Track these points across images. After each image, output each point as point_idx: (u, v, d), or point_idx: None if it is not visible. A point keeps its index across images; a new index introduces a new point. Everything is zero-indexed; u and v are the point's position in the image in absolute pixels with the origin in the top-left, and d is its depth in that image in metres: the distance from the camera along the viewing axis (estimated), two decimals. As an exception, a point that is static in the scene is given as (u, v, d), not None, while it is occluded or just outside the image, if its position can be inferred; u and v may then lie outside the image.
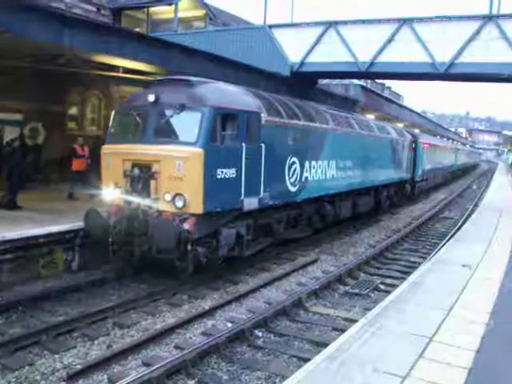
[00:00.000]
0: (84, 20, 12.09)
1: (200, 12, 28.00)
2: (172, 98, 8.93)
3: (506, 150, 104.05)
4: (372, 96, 29.78)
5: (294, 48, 18.30)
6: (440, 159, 33.47)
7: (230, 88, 10.17)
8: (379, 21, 17.35)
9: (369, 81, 35.12)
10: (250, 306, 8.49)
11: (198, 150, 8.29)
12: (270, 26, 18.95)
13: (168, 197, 8.41)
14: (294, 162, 11.18)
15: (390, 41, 16.61)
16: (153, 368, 5.64)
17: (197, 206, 8.32)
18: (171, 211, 8.39)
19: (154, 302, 8.36)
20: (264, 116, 9.85)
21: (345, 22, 17.84)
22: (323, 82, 25.42)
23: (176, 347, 6.62)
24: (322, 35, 17.81)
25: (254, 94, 10.38)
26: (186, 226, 8.23)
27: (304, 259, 11.81)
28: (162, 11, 27.37)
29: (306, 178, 11.81)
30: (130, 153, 9.03)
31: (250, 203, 9.48)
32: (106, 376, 5.79)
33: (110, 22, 23.97)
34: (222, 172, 8.61)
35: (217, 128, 8.63)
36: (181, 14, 26.48)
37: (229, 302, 8.48)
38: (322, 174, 12.66)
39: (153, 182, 8.62)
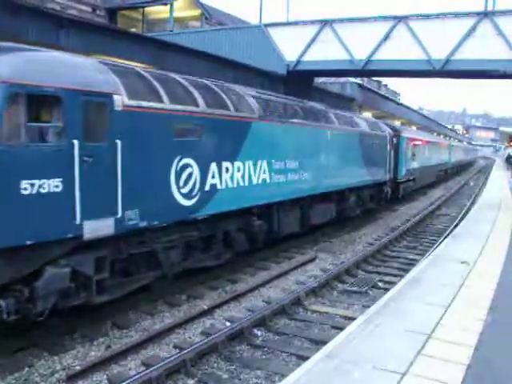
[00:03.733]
0: (79, 21, 12.09)
1: (195, 11, 28.02)
2: None
3: (502, 146, 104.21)
4: (368, 94, 29.86)
5: (290, 47, 18.33)
6: (430, 156, 30.65)
7: (64, 58, 6.67)
8: (375, 18, 17.40)
9: (365, 79, 35.18)
10: (248, 305, 8.49)
11: None
12: (266, 25, 18.98)
13: None
14: (186, 166, 7.99)
15: (386, 38, 16.65)
16: (152, 368, 5.64)
17: None
18: None
19: (153, 302, 8.35)
20: (120, 99, 6.70)
21: (341, 20, 17.88)
22: (320, 80, 25.45)
23: (175, 347, 6.62)
24: (317, 34, 17.84)
25: (112, 68, 7.17)
26: None
27: (302, 257, 11.82)
28: (158, 11, 27.37)
29: (214, 186, 8.64)
30: None
31: (98, 228, 6.50)
32: (105, 377, 5.78)
33: (105, 23, 23.92)
34: (33, 185, 5.65)
35: (18, 117, 5.64)
36: (176, 14, 26.50)
37: (227, 302, 8.48)
38: (243, 179, 9.50)
39: None
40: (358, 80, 28.86)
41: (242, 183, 9.47)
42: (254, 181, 9.88)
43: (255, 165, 9.91)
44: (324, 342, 5.82)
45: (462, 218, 16.98)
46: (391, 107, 35.60)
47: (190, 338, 7.00)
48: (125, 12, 28.28)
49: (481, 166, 75.89)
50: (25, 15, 10.47)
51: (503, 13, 15.22)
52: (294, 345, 6.94)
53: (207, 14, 27.95)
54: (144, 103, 7.17)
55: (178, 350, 6.37)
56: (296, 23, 18.92)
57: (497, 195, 22.20)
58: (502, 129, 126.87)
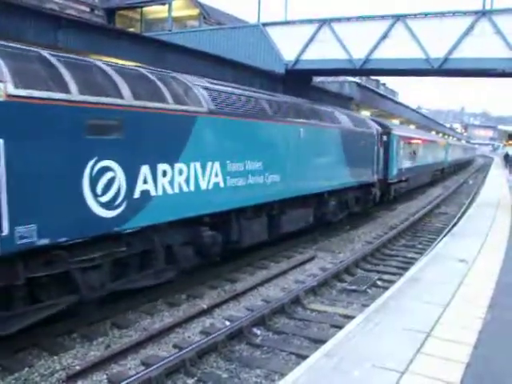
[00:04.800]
0: (78, 21, 12.09)
1: (194, 11, 28.02)
2: None
3: (501, 144, 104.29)
4: (367, 93, 29.87)
5: (289, 46, 18.33)
6: (425, 155, 29.09)
7: None
8: (373, 17, 17.39)
9: (364, 78, 35.19)
10: (248, 304, 8.50)
11: None
12: (264, 24, 18.97)
13: None
14: (106, 169, 6.61)
15: (384, 37, 16.64)
16: (152, 367, 5.64)
17: None
18: None
19: (152, 301, 8.36)
20: (2, 88, 5.39)
21: (339, 19, 17.87)
22: (318, 79, 25.47)
23: (175, 346, 6.63)
24: (316, 33, 17.83)
25: None
26: None
27: (301, 256, 11.83)
28: (156, 11, 27.38)
29: (146, 193, 7.23)
30: None
31: None
32: (105, 376, 5.79)
33: (103, 22, 23.91)
34: None
35: None
36: (174, 14, 26.50)
37: (227, 301, 8.49)
38: (187, 184, 8.05)
39: None
40: (357, 79, 28.87)
41: (186, 189, 8.02)
42: (203, 186, 8.40)
43: (204, 167, 8.42)
44: (323, 341, 5.82)
45: (460, 217, 17.00)
46: (389, 106, 35.62)
47: (189, 337, 7.01)
48: (123, 12, 28.28)
49: (479, 165, 75.92)
50: (23, 15, 10.47)
51: (501, 11, 15.23)
52: (294, 344, 6.95)
53: (205, 14, 27.94)
54: (38, 93, 5.73)
55: (177, 350, 6.38)
56: (294, 22, 18.92)
57: (495, 193, 22.22)
58: (500, 127, 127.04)
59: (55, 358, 6.24)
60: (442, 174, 38.62)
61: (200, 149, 8.35)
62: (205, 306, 8.11)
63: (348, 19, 17.80)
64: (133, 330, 7.20)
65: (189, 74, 9.55)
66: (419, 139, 27.34)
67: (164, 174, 7.57)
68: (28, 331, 6.54)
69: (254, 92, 10.89)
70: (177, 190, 7.83)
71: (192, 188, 8.16)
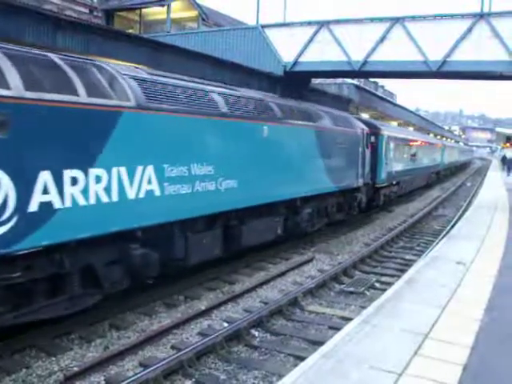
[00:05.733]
0: (76, 22, 12.10)
1: (193, 13, 28.03)
2: None
3: (499, 147, 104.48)
4: (365, 95, 29.92)
5: (287, 48, 18.34)
6: (419, 158, 27.77)
7: None
8: (372, 20, 17.42)
9: (362, 80, 35.25)
10: (246, 305, 8.51)
11: None
12: (263, 26, 18.98)
13: None
14: None
15: (382, 40, 16.67)
16: (150, 369, 5.65)
17: None
18: None
19: (150, 302, 8.35)
20: None
21: (337, 22, 17.90)
22: (317, 81, 25.50)
23: (173, 348, 6.63)
24: (314, 35, 17.85)
25: None
26: None
27: (300, 258, 11.84)
28: (155, 12, 27.38)
29: (47, 205, 5.83)
30: None
31: None
32: (102, 377, 5.79)
33: (102, 24, 23.92)
34: None
35: None
36: (173, 15, 26.53)
37: (225, 302, 8.50)
38: (108, 193, 6.59)
39: None
40: (355, 81, 28.92)
41: (106, 199, 6.55)
42: (131, 195, 6.90)
43: (132, 172, 6.93)
44: (321, 343, 5.83)
45: (458, 219, 17.03)
46: (388, 108, 35.67)
47: (187, 338, 7.01)
48: (122, 13, 28.27)
49: (477, 167, 76.03)
50: (22, 16, 10.47)
51: (499, 14, 15.28)
52: (292, 345, 6.96)
53: (204, 16, 27.96)
54: None
55: (175, 351, 6.38)
56: (293, 24, 18.94)
57: (493, 196, 22.27)
58: (498, 130, 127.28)
59: (53, 359, 6.24)
60: (437, 176, 37.70)
61: (126, 151, 6.86)
62: (203, 308, 8.12)
63: (347, 21, 17.82)
64: (131, 332, 7.20)
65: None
66: (412, 141, 26.13)
67: (74, 181, 6.11)
68: (26, 332, 6.55)
69: (207, 85, 9.32)
70: (93, 201, 6.38)
71: (115, 198, 6.66)
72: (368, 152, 16.82)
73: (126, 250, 7.21)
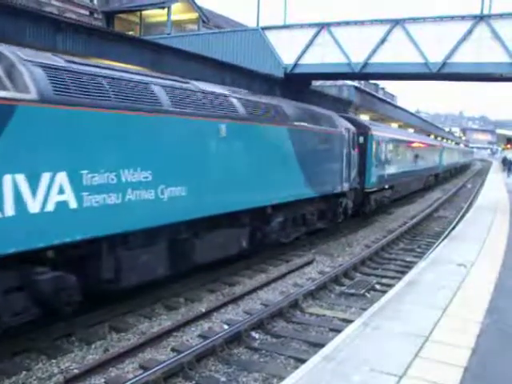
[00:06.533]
0: (77, 24, 12.11)
1: (193, 15, 28.07)
2: None
3: (499, 148, 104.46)
4: (366, 96, 29.91)
5: (288, 50, 18.35)
6: (415, 160, 26.36)
7: None
8: (372, 22, 17.44)
9: (362, 82, 35.26)
10: (246, 307, 8.49)
11: None
12: (264, 28, 19.00)
13: None
14: None
15: (383, 41, 16.68)
16: (150, 371, 5.63)
17: None
18: None
19: (151, 305, 8.34)
20: None
21: (338, 23, 17.91)
22: (317, 83, 25.51)
23: (173, 350, 6.62)
24: (315, 37, 17.86)
25: None
26: None
27: (300, 260, 11.82)
28: (155, 14, 27.41)
29: None
30: None
31: None
32: (103, 380, 5.78)
33: (102, 26, 23.95)
34: None
35: None
36: (174, 17, 26.56)
37: (225, 304, 8.48)
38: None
39: None
40: (356, 83, 28.92)
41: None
42: (34, 208, 5.66)
43: (35, 181, 5.68)
44: (322, 345, 5.82)
45: (459, 221, 17.01)
46: (388, 110, 35.68)
47: (187, 340, 7.00)
48: (122, 15, 28.32)
49: (478, 169, 75.99)
50: (22, 18, 10.49)
51: (499, 16, 15.29)
52: (292, 347, 6.95)
53: (204, 18, 28.00)
54: None
55: (175, 353, 6.37)
56: (293, 26, 18.95)
57: (494, 197, 22.25)
58: (498, 131, 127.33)
59: (53, 361, 6.22)
60: (436, 179, 36.42)
61: (24, 154, 5.60)
62: (203, 310, 8.11)
63: (347, 23, 17.84)
64: (131, 334, 7.18)
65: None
66: (407, 142, 24.79)
67: None
68: (26, 334, 6.54)
69: (146, 76, 7.93)
70: None
71: (9, 212, 5.40)
72: (355, 154, 15.63)
73: (30, 274, 5.99)
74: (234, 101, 9.58)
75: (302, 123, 12.00)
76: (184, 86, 8.50)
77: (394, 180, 20.79)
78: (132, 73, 7.68)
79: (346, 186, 14.76)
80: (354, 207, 16.11)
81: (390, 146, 20.29)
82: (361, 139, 16.63)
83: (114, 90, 6.80)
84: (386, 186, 19.71)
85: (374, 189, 17.88)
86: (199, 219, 8.39)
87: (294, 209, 12.00)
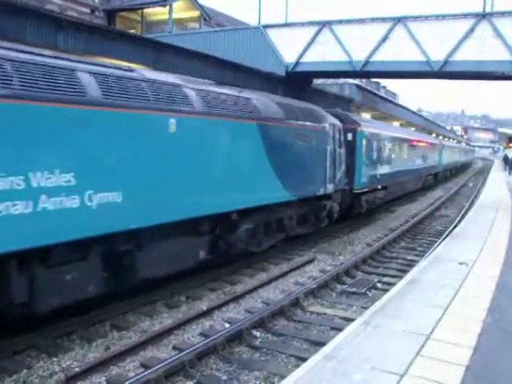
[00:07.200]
0: (78, 22, 12.11)
1: (194, 13, 28.05)
2: None
3: (501, 147, 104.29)
4: (367, 95, 29.88)
5: (289, 48, 18.36)
6: (412, 158, 25.08)
7: None
8: (374, 20, 17.42)
9: (364, 80, 35.22)
10: (247, 306, 8.48)
11: None
12: (265, 27, 18.99)
13: None
14: None
15: (384, 39, 16.67)
16: (151, 369, 5.63)
17: None
18: None
19: (152, 303, 8.34)
20: None
21: (339, 22, 17.90)
22: (318, 81, 25.50)
23: (174, 348, 6.62)
24: (316, 35, 17.86)
25: None
26: None
27: (301, 259, 11.81)
28: (157, 12, 27.41)
29: None
30: None
31: None
32: (104, 378, 5.78)
33: (104, 24, 23.94)
34: None
35: None
36: (175, 15, 26.55)
37: (226, 303, 8.47)
38: None
39: None
40: (357, 81, 28.90)
41: None
42: None
43: None
44: (323, 343, 5.81)
45: (460, 219, 16.99)
46: (390, 108, 35.64)
47: (188, 339, 7.00)
48: (123, 13, 28.30)
49: (479, 168, 75.84)
50: (23, 16, 10.48)
51: (502, 14, 15.25)
52: (293, 346, 6.94)
53: (206, 16, 27.98)
54: None
55: (176, 352, 6.37)
56: (295, 24, 18.95)
57: (495, 196, 22.22)
58: (500, 130, 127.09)
59: (54, 359, 6.22)
60: (435, 179, 35.01)
61: None
62: (204, 308, 8.11)
63: (348, 21, 17.83)
64: (132, 332, 7.18)
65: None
66: (403, 139, 23.36)
67: None
68: (27, 332, 6.54)
69: (70, 61, 6.59)
70: None
71: None
72: (342, 152, 14.41)
73: None
74: (190, 92, 8.25)
75: (277, 118, 10.73)
76: (126, 74, 7.24)
77: (387, 180, 19.52)
78: (50, 56, 6.34)
79: (330, 188, 13.46)
80: (341, 210, 14.97)
81: (383, 144, 19.06)
82: (349, 136, 15.47)
83: (20, 77, 5.55)
84: (379, 187, 18.37)
85: (365, 190, 16.55)
86: (143, 229, 7.20)
87: (266, 214, 10.75)
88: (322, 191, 12.98)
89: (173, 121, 7.60)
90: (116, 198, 6.59)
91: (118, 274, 7.18)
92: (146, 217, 7.12)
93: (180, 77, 9.08)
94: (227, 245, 9.59)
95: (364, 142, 16.27)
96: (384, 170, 18.91)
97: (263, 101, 10.70)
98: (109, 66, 7.29)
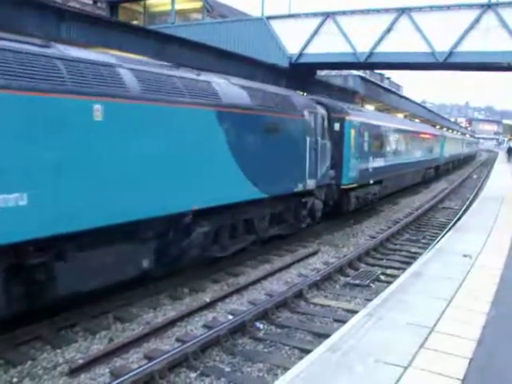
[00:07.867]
0: (80, 13, 12.06)
1: (197, 4, 27.88)
2: None
3: (506, 139, 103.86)
4: (371, 86, 29.76)
5: (293, 39, 18.27)
6: (410, 150, 23.39)
7: None
8: (378, 10, 17.29)
9: (368, 71, 35.04)
10: (251, 297, 8.49)
11: None
12: (268, 18, 18.89)
13: None
14: None
15: (389, 31, 16.57)
16: (155, 361, 5.64)
17: None
18: None
19: (155, 295, 8.35)
20: None
21: (343, 12, 17.79)
22: (322, 73, 25.38)
23: (177, 340, 6.63)
24: (320, 26, 17.75)
25: None
26: None
27: (305, 251, 11.80)
28: (159, 3, 27.28)
29: None
30: None
31: None
32: (107, 370, 5.79)
33: (106, 15, 23.86)
34: None
35: None
36: (178, 6, 26.38)
37: (230, 295, 8.48)
38: None
39: None
40: (361, 73, 28.76)
41: None
42: None
43: None
44: (326, 335, 5.81)
45: (464, 211, 16.94)
46: (394, 100, 35.48)
47: (192, 331, 7.00)
48: (126, 5, 28.16)
49: (483, 160, 75.57)
50: (26, 7, 10.43)
51: (507, 4, 15.12)
52: (297, 338, 6.94)
53: (209, 7, 27.81)
54: None
55: (180, 343, 6.38)
56: (298, 15, 18.84)
57: (500, 188, 22.12)
58: (505, 122, 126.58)
59: (58, 351, 6.24)
60: (436, 172, 33.31)
61: None
62: (207, 300, 8.11)
63: (352, 12, 17.71)
64: (135, 324, 7.19)
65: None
66: (399, 130, 21.38)
67: None
68: (31, 324, 6.56)
69: None
70: None
71: None
72: (327, 143, 13.08)
73: None
74: (125, 73, 6.93)
75: (242, 105, 9.34)
76: (38, 50, 5.91)
77: (382, 174, 18.00)
78: None
79: (311, 184, 12.11)
80: (326, 208, 13.88)
81: (377, 135, 17.48)
82: (336, 126, 14.01)
83: None
84: (372, 181, 16.88)
85: (354, 185, 15.04)
86: (61, 236, 5.97)
87: (231, 214, 9.55)
88: (300, 187, 11.62)
89: (98, 106, 6.31)
90: (18, 201, 5.36)
91: (30, 291, 6.02)
92: (63, 222, 5.88)
93: (119, 56, 7.79)
94: (180, 251, 8.34)
95: (353, 132, 14.67)
96: (378, 163, 17.39)
97: (226, 85, 9.28)
98: (12, 39, 5.79)
